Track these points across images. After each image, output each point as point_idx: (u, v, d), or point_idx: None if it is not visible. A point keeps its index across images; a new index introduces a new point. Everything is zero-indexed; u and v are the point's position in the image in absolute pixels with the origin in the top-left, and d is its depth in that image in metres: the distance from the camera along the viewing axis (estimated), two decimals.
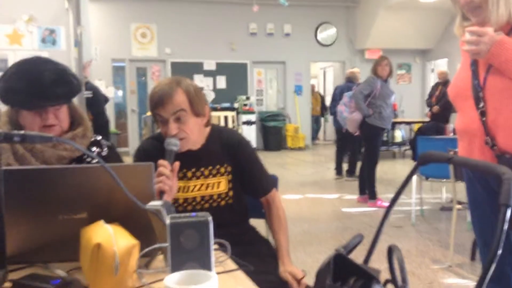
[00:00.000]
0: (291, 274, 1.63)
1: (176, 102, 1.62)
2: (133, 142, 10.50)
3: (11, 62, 4.68)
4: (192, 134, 1.66)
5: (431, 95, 8.35)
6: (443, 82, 8.06)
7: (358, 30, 11.99)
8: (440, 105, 7.80)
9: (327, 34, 12.02)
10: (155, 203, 1.10)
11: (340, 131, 7.05)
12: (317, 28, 11.93)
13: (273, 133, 11.47)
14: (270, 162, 9.34)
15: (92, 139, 1.67)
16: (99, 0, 10.01)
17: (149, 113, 1.73)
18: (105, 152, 1.67)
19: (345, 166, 7.41)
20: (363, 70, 9.28)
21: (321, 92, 13.84)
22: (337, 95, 7.16)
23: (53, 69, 1.51)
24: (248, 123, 11.07)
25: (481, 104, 1.52)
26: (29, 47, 4.79)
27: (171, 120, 1.62)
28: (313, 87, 12.87)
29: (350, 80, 7.30)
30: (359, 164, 7.20)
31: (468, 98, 1.57)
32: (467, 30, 1.51)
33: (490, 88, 1.51)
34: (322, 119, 13.40)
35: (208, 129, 1.79)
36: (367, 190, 5.44)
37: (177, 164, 1.58)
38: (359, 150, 7.35)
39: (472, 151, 1.57)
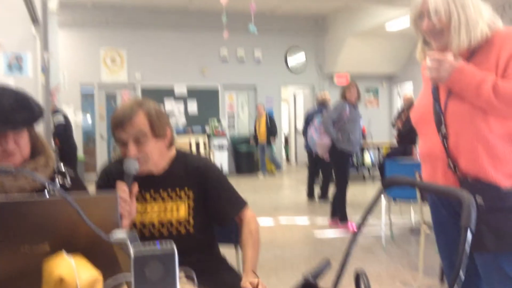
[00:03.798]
0: (251, 284, 1.56)
1: (136, 124, 1.62)
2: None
3: None
4: (152, 156, 1.66)
5: (396, 121, 8.51)
6: (408, 107, 8.26)
7: (327, 55, 12.26)
8: (406, 129, 7.96)
9: (296, 59, 12.25)
10: (119, 234, 1.08)
11: (312, 154, 7.11)
12: (286, 54, 12.14)
13: (245, 157, 11.47)
14: (243, 186, 9.32)
15: (55, 169, 1.63)
16: (68, 25, 9.94)
17: None
18: (68, 182, 1.64)
19: (317, 190, 7.45)
20: (332, 94, 9.46)
21: (291, 115, 13.94)
22: (309, 120, 7.16)
23: (12, 95, 1.49)
24: (220, 147, 11.05)
25: (443, 128, 1.57)
26: None
27: (130, 141, 1.63)
28: (260, 108, 10.99)
29: (322, 104, 7.40)
30: (331, 188, 7.27)
31: (430, 123, 1.61)
32: (428, 56, 1.57)
33: (451, 112, 1.56)
34: (270, 148, 10.99)
35: (172, 153, 1.78)
36: (339, 213, 5.48)
37: (135, 186, 1.57)
38: (331, 173, 7.42)
39: (436, 174, 1.61)
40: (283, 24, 11.76)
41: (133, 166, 1.60)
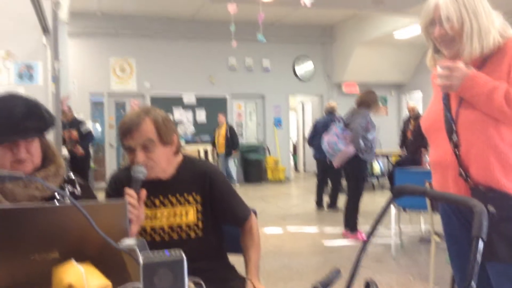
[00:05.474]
0: None
1: (144, 132, 1.65)
2: None
3: None
4: (160, 162, 1.69)
5: (404, 130, 8.44)
6: (414, 117, 8.22)
7: (335, 64, 12.26)
8: (415, 138, 7.91)
9: (304, 68, 12.27)
10: (128, 241, 1.08)
11: (323, 162, 7.03)
12: (294, 63, 12.16)
13: (253, 166, 11.45)
14: (251, 195, 9.29)
15: (65, 177, 1.64)
16: (78, 35, 10.04)
17: None
18: (78, 190, 1.64)
19: (325, 199, 7.41)
20: (341, 103, 9.44)
21: (300, 124, 13.93)
22: (320, 128, 7.03)
23: (24, 104, 1.50)
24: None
25: (454, 137, 1.56)
26: (5, 83, 4.74)
27: (138, 148, 1.65)
28: (221, 118, 10.39)
29: (331, 113, 7.35)
30: (340, 197, 7.22)
31: (441, 131, 1.60)
32: (439, 64, 1.56)
33: (462, 120, 1.55)
34: (227, 160, 10.22)
35: (179, 158, 1.81)
36: (350, 222, 5.40)
37: (143, 192, 1.59)
38: (340, 182, 7.38)
39: (446, 183, 1.60)
40: (291, 33, 11.79)
41: (141, 172, 1.62)
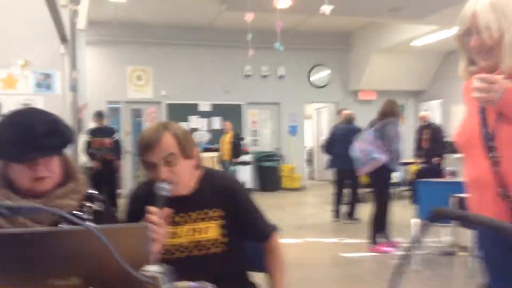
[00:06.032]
0: None
1: (165, 146, 1.59)
2: (127, 184, 10.35)
3: (5, 106, 4.65)
4: (183, 177, 1.64)
5: (419, 140, 8.29)
6: (427, 125, 8.10)
7: (351, 72, 12.15)
8: (432, 147, 7.79)
9: (320, 76, 12.18)
10: (152, 269, 1.01)
11: (341, 171, 6.91)
12: (310, 70, 12.08)
13: (269, 174, 11.38)
14: (267, 203, 9.20)
15: (86, 193, 1.58)
16: (95, 43, 10.11)
17: None
18: (100, 205, 1.58)
19: (342, 209, 7.28)
20: (358, 111, 9.31)
21: (315, 132, 13.80)
22: (339, 137, 6.91)
23: (44, 120, 1.45)
24: (244, 163, 10.98)
25: (493, 153, 1.46)
26: (23, 92, 4.76)
27: (161, 164, 1.59)
28: (227, 125, 10.22)
29: (350, 121, 7.24)
30: (360, 207, 7.09)
31: (478, 147, 1.51)
32: (476, 77, 1.46)
33: (501, 136, 1.46)
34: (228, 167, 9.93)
35: (199, 172, 1.75)
36: (374, 232, 5.21)
37: (168, 210, 1.52)
38: (357, 192, 7.25)
39: (485, 203, 1.50)
40: (307, 41, 11.72)
41: (165, 188, 1.55)
